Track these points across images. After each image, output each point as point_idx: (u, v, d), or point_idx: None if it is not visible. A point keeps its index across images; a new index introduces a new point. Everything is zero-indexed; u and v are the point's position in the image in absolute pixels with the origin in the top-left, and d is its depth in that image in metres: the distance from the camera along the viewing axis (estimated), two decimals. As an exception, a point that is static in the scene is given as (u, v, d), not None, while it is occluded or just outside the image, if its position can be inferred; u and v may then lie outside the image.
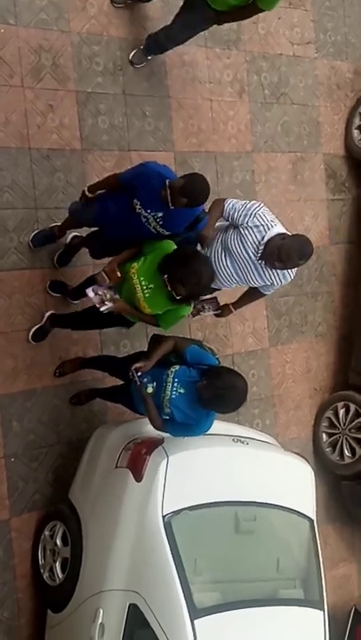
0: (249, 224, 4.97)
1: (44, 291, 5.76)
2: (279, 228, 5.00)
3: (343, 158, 7.92)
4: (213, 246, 5.12)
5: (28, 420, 5.69)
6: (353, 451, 7.40)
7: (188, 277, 4.58)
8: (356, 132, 7.86)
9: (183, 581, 4.65)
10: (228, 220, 5.09)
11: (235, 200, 5.10)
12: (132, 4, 6.24)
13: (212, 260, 5.09)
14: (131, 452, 5.12)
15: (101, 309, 4.84)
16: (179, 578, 4.66)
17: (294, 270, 5.12)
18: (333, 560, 7.57)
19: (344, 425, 7.47)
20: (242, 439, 5.46)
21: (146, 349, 5.26)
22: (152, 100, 6.42)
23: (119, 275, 4.81)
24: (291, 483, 5.48)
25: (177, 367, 4.84)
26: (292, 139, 7.46)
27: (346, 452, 7.42)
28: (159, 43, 6.11)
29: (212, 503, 5.00)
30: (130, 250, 4.92)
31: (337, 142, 7.87)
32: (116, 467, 5.18)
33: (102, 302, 4.83)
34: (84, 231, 5.62)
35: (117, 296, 4.88)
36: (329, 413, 7.58)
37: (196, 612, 4.60)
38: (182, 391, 4.75)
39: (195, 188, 4.62)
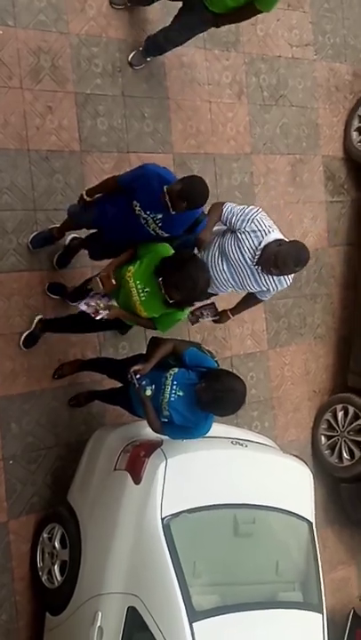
0: (246, 229, 4.97)
1: (42, 293, 5.75)
2: (276, 234, 5.00)
3: (342, 160, 7.92)
4: (210, 250, 5.12)
5: (27, 422, 5.67)
6: (352, 453, 7.39)
7: (183, 282, 4.57)
8: (355, 134, 7.86)
9: (182, 584, 4.65)
10: (225, 225, 5.09)
11: (233, 204, 5.09)
12: (132, 6, 6.24)
13: (209, 263, 5.08)
14: (129, 454, 5.11)
15: (97, 318, 4.83)
16: (177, 581, 4.65)
17: (291, 276, 5.12)
18: (332, 563, 7.56)
19: (343, 427, 7.47)
20: (241, 441, 5.46)
21: (144, 352, 5.25)
22: (151, 101, 6.42)
23: (114, 282, 4.79)
24: (289, 485, 5.48)
25: (176, 370, 4.83)
26: (291, 141, 7.46)
27: (345, 454, 7.42)
28: (158, 44, 6.10)
29: (210, 506, 4.99)
30: (126, 253, 4.91)
31: (336, 144, 7.87)
32: (115, 469, 5.17)
33: (97, 312, 4.81)
34: (82, 232, 5.62)
35: (112, 302, 4.86)
36: (328, 416, 7.58)
37: (194, 615, 4.59)
38: (181, 394, 4.74)
39: (193, 191, 4.61)
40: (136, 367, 4.79)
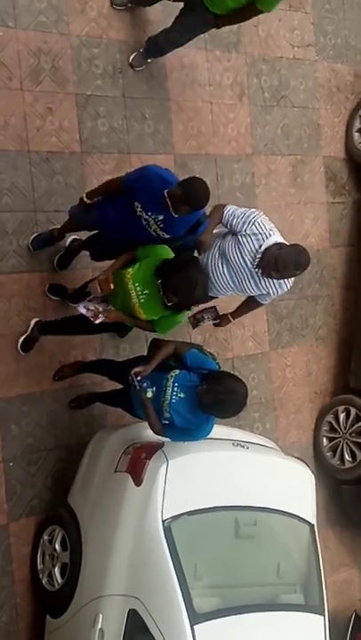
0: (247, 232, 4.96)
1: (43, 294, 5.74)
2: (277, 237, 4.99)
3: (343, 161, 7.92)
4: (211, 252, 5.11)
5: (27, 423, 5.67)
6: (353, 455, 7.37)
7: (181, 285, 4.56)
8: (356, 135, 7.85)
9: (183, 586, 4.64)
10: (226, 227, 5.08)
11: (234, 207, 5.08)
12: (132, 7, 6.23)
13: (209, 266, 5.08)
14: (130, 456, 5.10)
15: (95, 322, 4.82)
16: (179, 583, 4.64)
17: (291, 280, 5.11)
18: (334, 565, 7.54)
19: (345, 429, 7.45)
20: (242, 443, 5.45)
21: (145, 353, 5.24)
22: (152, 102, 6.41)
23: (112, 287, 4.78)
24: (291, 487, 5.47)
25: (177, 371, 4.82)
26: (293, 141, 7.45)
27: (346, 456, 7.40)
28: (159, 45, 6.10)
29: (212, 508, 4.98)
30: (125, 256, 4.89)
31: (337, 145, 7.86)
32: (116, 471, 5.16)
33: (96, 316, 4.80)
34: (83, 234, 5.61)
35: (110, 307, 4.85)
36: (329, 417, 7.56)
37: (195, 618, 4.59)
38: (182, 395, 4.73)
39: (195, 193, 4.60)
40: (137, 369, 4.78)
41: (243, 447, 5.41)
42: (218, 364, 5.06)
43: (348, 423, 7.44)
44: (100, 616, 4.84)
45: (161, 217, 4.71)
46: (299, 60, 7.53)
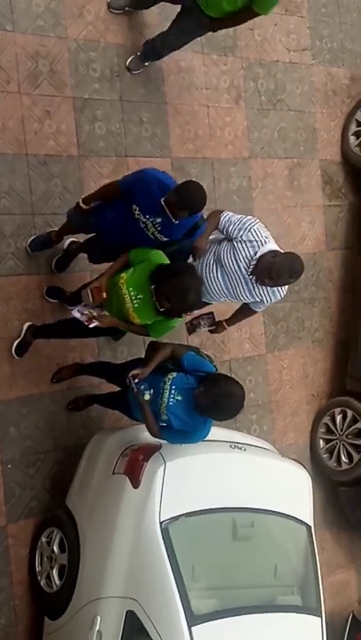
0: (243, 238, 4.97)
1: (41, 297, 5.75)
2: (272, 245, 5.01)
3: (340, 164, 7.94)
4: (206, 258, 5.12)
5: (25, 425, 5.68)
6: (350, 457, 7.39)
7: (174, 292, 4.56)
8: (352, 138, 7.88)
9: (181, 588, 4.64)
10: (222, 233, 5.09)
11: (231, 213, 5.10)
12: (130, 11, 6.25)
13: (204, 271, 5.09)
14: (128, 458, 5.11)
15: (90, 326, 4.82)
16: (176, 584, 4.65)
17: (285, 288, 5.13)
18: (331, 566, 7.56)
19: (341, 431, 7.47)
20: (239, 445, 5.46)
21: (143, 356, 5.25)
22: (149, 106, 6.43)
23: (105, 295, 4.78)
24: (288, 489, 5.48)
25: (174, 374, 4.83)
26: (289, 145, 7.48)
27: (343, 457, 7.42)
28: (156, 49, 6.12)
29: (209, 509, 4.99)
30: (119, 261, 4.89)
31: (333, 148, 7.88)
32: (114, 473, 5.17)
33: (90, 320, 4.81)
34: (81, 237, 5.62)
35: (104, 312, 4.86)
36: (326, 419, 7.58)
37: (193, 619, 4.59)
38: (180, 398, 4.74)
39: (191, 197, 4.62)
40: (135, 371, 4.79)
41: (240, 449, 5.42)
42: (215, 366, 5.06)
43: (345, 425, 7.46)
44: (98, 618, 4.84)
45: (159, 220, 4.72)
46: (295, 64, 7.56)
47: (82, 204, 5.01)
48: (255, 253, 4.95)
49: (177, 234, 4.88)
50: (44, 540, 5.56)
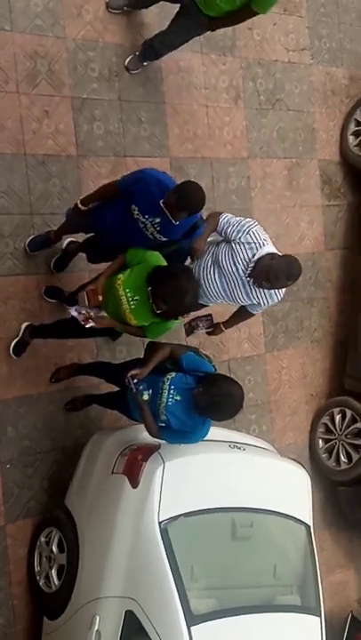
0: (242, 240, 4.97)
1: (39, 297, 5.75)
2: (270, 248, 5.01)
3: (338, 164, 7.94)
4: (204, 259, 5.12)
5: (23, 425, 5.67)
6: (349, 456, 7.39)
7: (170, 295, 4.54)
8: (351, 138, 7.88)
9: (180, 588, 4.64)
10: (221, 235, 5.09)
11: (230, 215, 5.10)
12: (128, 11, 6.25)
13: (201, 272, 5.09)
14: (127, 458, 5.11)
15: (86, 326, 4.82)
16: (175, 584, 4.65)
17: (282, 291, 5.13)
18: (330, 566, 7.55)
19: (340, 431, 7.47)
20: (238, 445, 5.46)
21: (142, 356, 5.25)
22: (148, 105, 6.43)
23: (100, 299, 4.77)
24: (287, 489, 5.48)
25: (173, 374, 4.83)
26: (288, 145, 7.48)
27: (342, 457, 7.42)
28: (154, 48, 6.12)
29: (208, 509, 4.99)
30: (116, 262, 4.87)
31: (332, 148, 7.88)
32: (113, 473, 5.17)
33: (87, 320, 4.80)
34: (80, 236, 5.62)
35: (102, 313, 4.85)
36: (325, 419, 7.58)
37: (192, 619, 4.59)
38: (178, 398, 4.74)
39: (190, 197, 4.61)
40: (133, 372, 4.79)
41: (239, 449, 5.42)
42: (214, 366, 5.07)
43: (344, 425, 7.46)
44: (97, 618, 4.84)
45: (158, 220, 4.72)
46: (294, 64, 7.56)
47: (80, 206, 5.00)
48: (253, 255, 4.95)
49: (176, 234, 4.88)
50: (42, 539, 5.56)
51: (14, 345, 5.58)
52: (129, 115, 6.31)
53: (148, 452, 5.01)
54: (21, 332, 5.59)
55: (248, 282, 5.02)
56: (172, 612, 4.60)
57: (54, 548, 5.41)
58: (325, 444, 7.55)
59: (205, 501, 4.99)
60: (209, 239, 5.16)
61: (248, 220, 5.09)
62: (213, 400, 4.61)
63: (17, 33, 5.70)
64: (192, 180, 5.41)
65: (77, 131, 6.01)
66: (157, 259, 4.78)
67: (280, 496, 5.36)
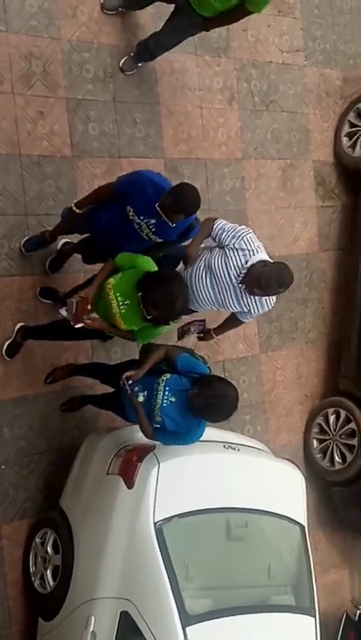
0: (235, 246, 4.97)
1: (34, 297, 5.75)
2: (263, 255, 5.02)
3: (332, 165, 7.95)
4: (196, 264, 5.12)
5: (19, 426, 5.67)
6: (343, 457, 7.41)
7: (161, 300, 4.53)
8: (345, 140, 7.89)
9: (175, 588, 4.65)
10: (215, 241, 5.09)
11: (225, 221, 5.10)
12: (123, 12, 6.25)
13: (193, 278, 5.09)
14: (122, 458, 5.11)
15: (76, 327, 4.81)
16: (170, 585, 4.65)
17: (273, 299, 5.14)
18: (324, 566, 7.57)
19: (335, 431, 7.48)
20: (233, 446, 5.47)
21: (137, 357, 5.26)
22: (142, 107, 6.44)
23: (90, 307, 4.75)
24: (282, 489, 5.49)
25: (168, 376, 4.84)
26: (282, 146, 7.49)
27: (336, 458, 7.43)
28: (149, 49, 6.12)
29: (203, 510, 4.99)
30: (106, 268, 4.86)
31: (326, 149, 7.90)
32: (108, 473, 5.17)
33: (77, 320, 4.80)
34: (75, 237, 5.62)
35: (93, 314, 4.85)
36: (320, 419, 7.59)
37: (187, 619, 4.60)
38: (173, 400, 4.75)
39: (185, 199, 4.63)
40: (128, 373, 4.79)
41: (234, 449, 5.43)
42: (209, 367, 5.08)
43: (338, 425, 7.48)
44: (93, 618, 4.85)
45: (153, 221, 4.73)
46: (288, 65, 7.57)
47: (75, 209, 5.00)
48: (246, 262, 4.95)
49: (171, 235, 4.89)
50: (37, 540, 5.56)
51: (7, 346, 5.57)
52: (123, 116, 6.31)
53: (143, 452, 5.01)
54: (14, 333, 5.59)
55: (240, 288, 5.02)
56: (167, 613, 4.61)
57: (49, 549, 5.41)
58: (320, 444, 7.57)
59: (200, 502, 5.00)
60: (202, 245, 5.17)
61: (242, 226, 5.11)
62: (208, 401, 4.62)
63: (12, 33, 5.70)
64: (187, 181, 5.42)
65: (72, 132, 6.02)
66: (148, 264, 4.76)
67: (275, 496, 5.37)
